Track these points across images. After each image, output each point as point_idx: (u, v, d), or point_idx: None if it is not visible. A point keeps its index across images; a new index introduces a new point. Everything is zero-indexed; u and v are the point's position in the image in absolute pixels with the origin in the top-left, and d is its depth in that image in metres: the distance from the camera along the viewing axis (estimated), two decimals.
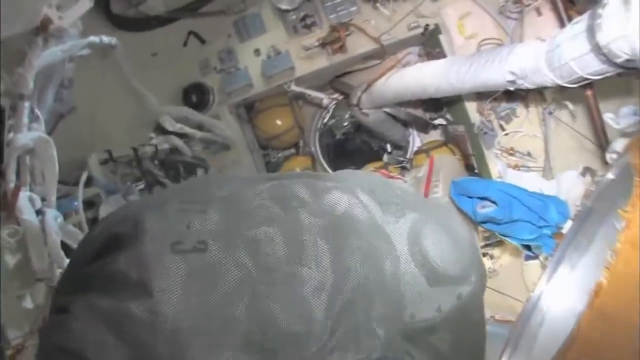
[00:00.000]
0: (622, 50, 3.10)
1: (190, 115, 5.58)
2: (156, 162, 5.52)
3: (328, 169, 7.90)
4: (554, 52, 3.79)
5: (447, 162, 5.56)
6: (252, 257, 1.65)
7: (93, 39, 4.16)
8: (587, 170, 4.36)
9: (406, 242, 1.89)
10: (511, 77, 4.31)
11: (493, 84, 4.57)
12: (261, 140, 7.21)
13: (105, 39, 4.39)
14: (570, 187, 4.59)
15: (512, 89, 4.50)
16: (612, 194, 3.44)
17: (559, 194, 4.64)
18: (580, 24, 3.52)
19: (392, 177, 5.44)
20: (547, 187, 4.84)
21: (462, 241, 2.01)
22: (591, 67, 3.51)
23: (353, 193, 1.92)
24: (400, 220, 1.93)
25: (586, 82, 3.81)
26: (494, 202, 4.22)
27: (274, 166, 7.47)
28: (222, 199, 1.77)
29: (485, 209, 4.20)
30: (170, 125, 5.55)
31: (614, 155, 3.72)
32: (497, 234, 4.48)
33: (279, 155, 7.50)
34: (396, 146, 7.90)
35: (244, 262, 1.62)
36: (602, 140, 4.38)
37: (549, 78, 4.01)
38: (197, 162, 5.69)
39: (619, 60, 3.21)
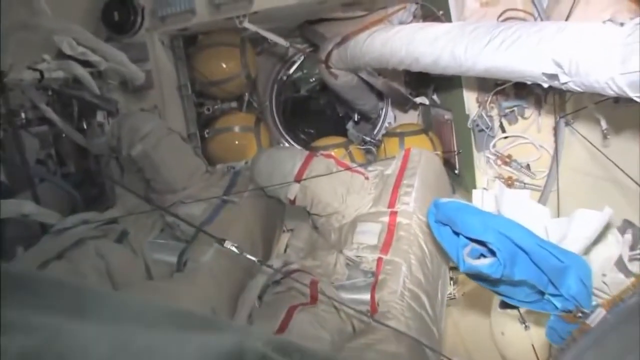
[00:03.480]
0: None
1: (81, 36, 3.81)
2: (50, 92, 3.86)
3: (280, 128, 6.48)
4: None
5: (427, 162, 4.03)
6: None
7: None
8: (628, 227, 2.86)
9: None
10: (552, 70, 2.77)
11: (520, 72, 3.02)
12: (197, 85, 5.60)
13: None
14: (590, 235, 3.12)
15: (545, 85, 2.95)
16: None
17: (563, 241, 3.19)
18: None
19: (350, 169, 3.87)
20: (554, 228, 3.35)
21: None
22: None
23: None
24: None
25: None
26: (490, 249, 2.71)
27: (207, 120, 5.83)
28: None
29: (477, 262, 2.69)
30: (68, 47, 3.85)
31: None
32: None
33: (216, 107, 5.85)
34: (365, 117, 6.39)
35: None
36: None
37: (613, 84, 2.49)
38: (98, 102, 4.00)
39: None
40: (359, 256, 3.28)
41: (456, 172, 4.91)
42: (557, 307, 2.83)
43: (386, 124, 6.26)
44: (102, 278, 2.85)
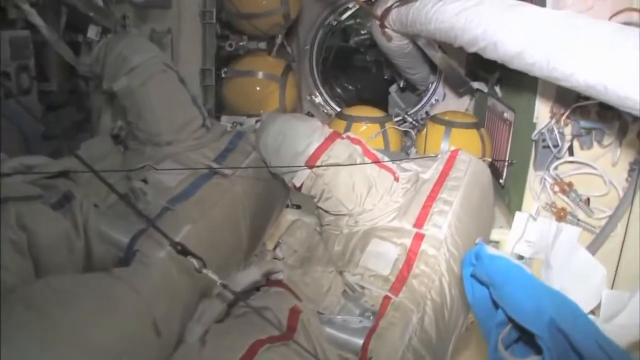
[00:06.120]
0: None
1: None
2: None
3: (316, 77, 5.80)
4: None
5: (475, 175, 3.20)
6: None
7: None
8: None
9: None
10: None
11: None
12: (224, 14, 4.75)
13: None
14: None
15: None
16: None
17: (614, 319, 2.44)
18: None
19: (379, 164, 3.01)
20: (610, 299, 2.59)
21: None
22: None
23: None
24: None
25: None
26: (535, 340, 1.90)
27: (228, 57, 5.00)
28: None
29: None
30: None
31: None
32: None
33: (242, 44, 4.97)
34: (411, 86, 5.71)
35: None
36: None
37: None
38: (92, 14, 3.14)
39: None
40: (362, 286, 2.46)
41: (501, 182, 4.03)
42: None
43: (433, 100, 5.43)
44: (23, 258, 2.04)
